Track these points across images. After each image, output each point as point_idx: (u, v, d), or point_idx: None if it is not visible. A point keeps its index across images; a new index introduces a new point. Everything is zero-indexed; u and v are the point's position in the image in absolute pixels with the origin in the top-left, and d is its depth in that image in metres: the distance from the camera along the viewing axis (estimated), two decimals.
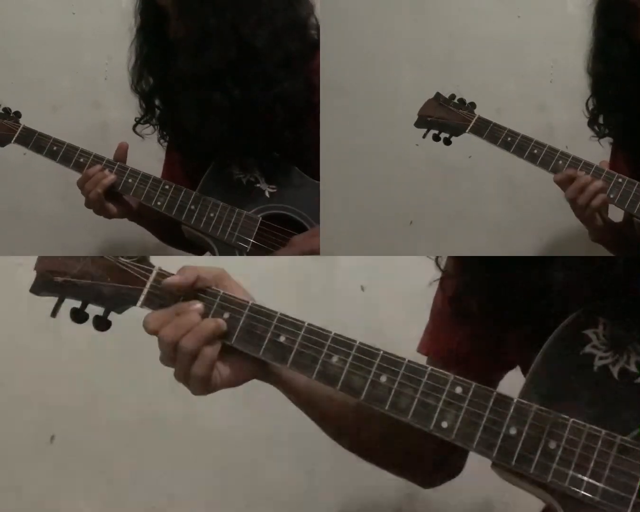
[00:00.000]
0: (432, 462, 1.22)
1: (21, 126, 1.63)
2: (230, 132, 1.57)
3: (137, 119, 1.73)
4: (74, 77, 2.13)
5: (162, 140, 1.77)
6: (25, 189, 2.13)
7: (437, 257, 1.21)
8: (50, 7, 2.12)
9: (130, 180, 1.59)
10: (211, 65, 1.52)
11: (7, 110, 1.64)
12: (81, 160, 1.60)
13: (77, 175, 1.60)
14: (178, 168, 1.73)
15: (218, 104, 1.54)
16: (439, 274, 1.22)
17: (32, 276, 1.11)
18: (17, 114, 1.64)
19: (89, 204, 1.59)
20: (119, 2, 2.00)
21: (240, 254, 1.60)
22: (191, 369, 1.03)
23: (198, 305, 1.05)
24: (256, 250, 1.61)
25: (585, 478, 0.93)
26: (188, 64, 1.54)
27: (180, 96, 1.59)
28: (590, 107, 1.59)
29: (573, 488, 0.93)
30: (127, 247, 2.00)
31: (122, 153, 1.61)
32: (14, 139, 1.62)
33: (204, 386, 1.04)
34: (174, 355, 1.03)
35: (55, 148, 1.60)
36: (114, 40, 2.01)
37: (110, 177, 1.58)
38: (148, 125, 1.73)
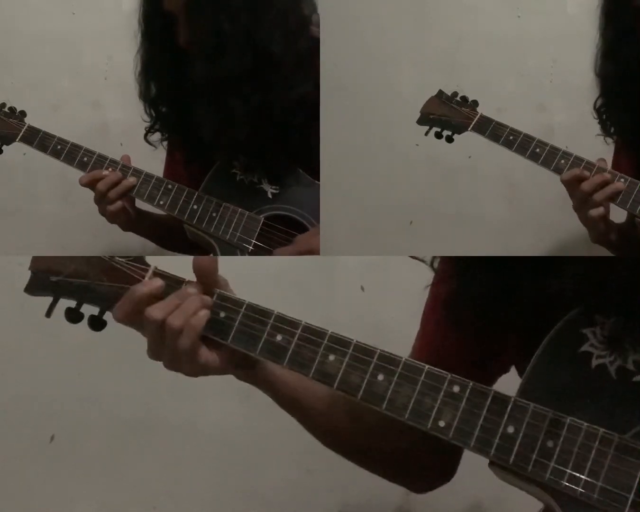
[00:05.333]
0: (424, 468, 1.22)
1: (26, 125, 1.64)
2: (247, 137, 1.56)
3: (147, 128, 1.72)
4: (74, 77, 2.13)
5: (163, 142, 1.77)
6: (25, 189, 2.13)
7: (432, 258, 1.21)
8: (50, 7, 2.12)
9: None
10: (228, 71, 1.50)
11: (12, 110, 1.65)
12: (85, 159, 1.60)
13: (78, 174, 1.60)
14: (180, 168, 1.73)
15: (236, 111, 1.52)
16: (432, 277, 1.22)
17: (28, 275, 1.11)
18: (23, 113, 1.65)
19: (110, 217, 1.59)
20: (119, 3, 2.01)
21: (242, 254, 1.60)
22: (178, 344, 1.02)
23: (191, 289, 1.05)
24: (258, 251, 1.61)
25: (583, 477, 0.94)
26: (204, 70, 1.52)
27: (197, 103, 1.57)
28: (597, 106, 1.58)
29: (571, 486, 0.94)
30: (128, 247, 2.00)
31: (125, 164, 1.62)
32: (19, 137, 1.63)
33: (192, 362, 1.03)
34: (161, 337, 1.03)
35: (59, 147, 1.61)
36: (114, 40, 2.02)
37: (130, 180, 1.58)
38: (156, 131, 1.73)
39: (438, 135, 1.62)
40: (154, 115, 1.69)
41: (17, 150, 1.65)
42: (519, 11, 2.07)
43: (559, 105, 2.04)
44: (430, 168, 2.10)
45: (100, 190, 1.56)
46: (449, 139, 1.61)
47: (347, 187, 2.08)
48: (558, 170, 1.48)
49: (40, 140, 1.62)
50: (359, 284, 1.92)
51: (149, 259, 1.10)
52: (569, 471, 0.94)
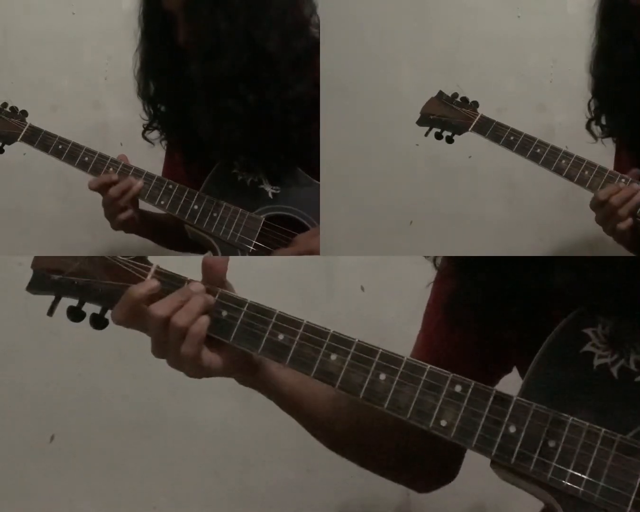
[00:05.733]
0: (427, 467, 1.21)
1: (27, 125, 1.63)
2: (244, 137, 1.56)
3: (145, 126, 1.72)
4: (74, 77, 2.13)
5: (162, 142, 1.77)
6: (25, 189, 2.13)
7: (435, 258, 1.21)
8: (50, 7, 2.12)
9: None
10: (225, 71, 1.50)
11: (14, 109, 1.65)
12: (86, 159, 1.60)
13: (79, 174, 1.60)
14: (180, 169, 1.73)
15: (233, 110, 1.52)
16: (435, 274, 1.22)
17: (31, 274, 1.11)
18: (24, 113, 1.65)
19: (119, 224, 1.58)
20: (119, 3, 2.01)
21: (243, 255, 1.60)
22: (181, 350, 1.02)
23: (194, 287, 1.05)
24: (259, 251, 1.61)
25: (585, 476, 0.93)
26: (201, 70, 1.52)
27: (194, 102, 1.57)
28: (592, 108, 1.58)
29: (572, 486, 0.93)
30: (128, 247, 2.00)
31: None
32: (20, 137, 1.63)
33: (195, 365, 1.03)
34: (165, 335, 1.03)
35: (60, 147, 1.61)
36: (114, 40, 2.02)
37: (139, 184, 1.58)
38: (154, 130, 1.73)
39: (438, 136, 1.61)
40: (152, 113, 1.70)
41: (17, 150, 1.65)
42: (519, 11, 2.07)
43: (559, 105, 2.04)
44: (430, 168, 2.10)
45: (113, 196, 1.55)
46: (449, 140, 1.60)
47: (347, 187, 2.08)
48: (559, 171, 1.48)
49: (41, 140, 1.62)
50: (359, 284, 1.92)
51: (151, 259, 1.10)
52: (570, 470, 0.94)
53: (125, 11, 1.70)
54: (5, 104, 1.65)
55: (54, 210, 2.13)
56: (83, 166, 1.60)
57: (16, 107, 1.65)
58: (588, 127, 1.59)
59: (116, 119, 2.10)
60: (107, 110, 2.12)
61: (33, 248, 2.00)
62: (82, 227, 2.07)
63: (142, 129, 1.73)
